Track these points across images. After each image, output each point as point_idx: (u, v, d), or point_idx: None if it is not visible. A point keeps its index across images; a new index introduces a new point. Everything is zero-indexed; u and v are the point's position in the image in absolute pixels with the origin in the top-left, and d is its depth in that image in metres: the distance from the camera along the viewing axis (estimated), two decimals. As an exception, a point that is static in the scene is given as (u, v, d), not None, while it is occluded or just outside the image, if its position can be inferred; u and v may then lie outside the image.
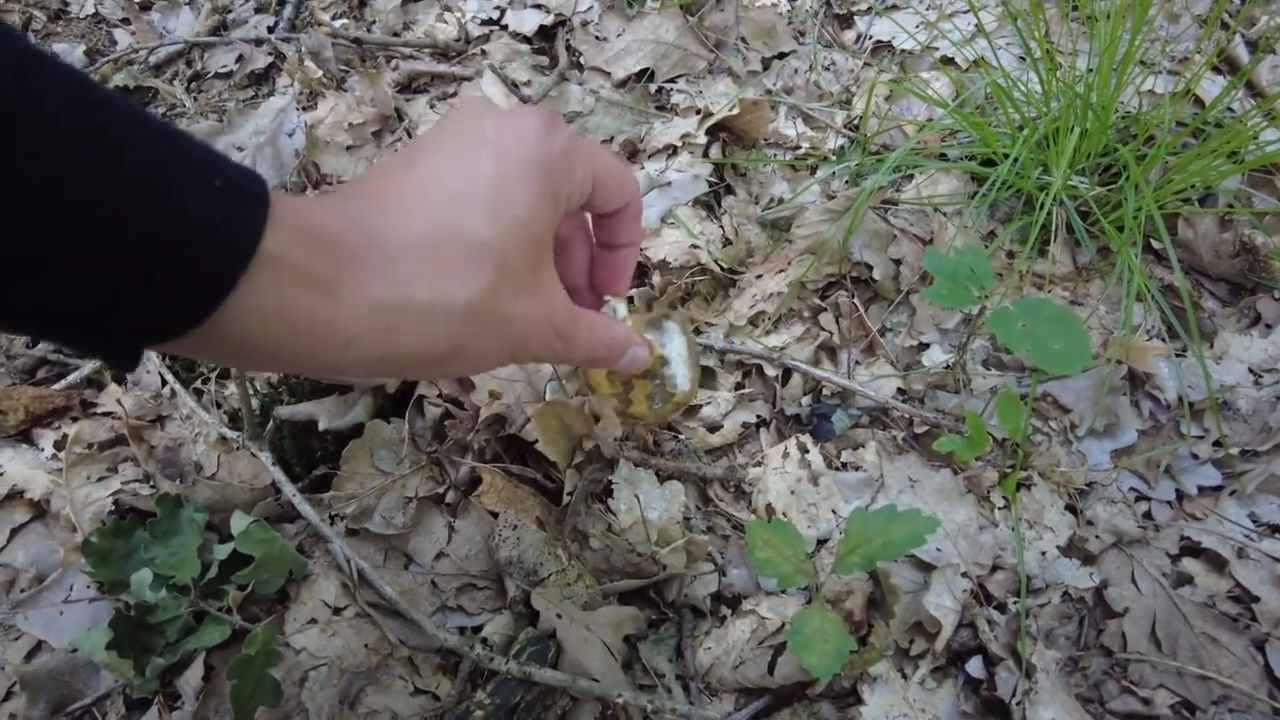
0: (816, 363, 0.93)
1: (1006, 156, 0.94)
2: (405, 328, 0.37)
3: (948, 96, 1.11)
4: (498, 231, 0.38)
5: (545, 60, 1.27)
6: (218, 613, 0.75)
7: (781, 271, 0.99)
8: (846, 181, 1.07)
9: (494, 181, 0.39)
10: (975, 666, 0.74)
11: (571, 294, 0.48)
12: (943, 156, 1.06)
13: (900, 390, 0.91)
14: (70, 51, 1.34)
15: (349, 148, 1.16)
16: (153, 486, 0.86)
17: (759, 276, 1.00)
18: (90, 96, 0.28)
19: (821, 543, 0.81)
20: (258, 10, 1.39)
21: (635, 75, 1.21)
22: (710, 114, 1.11)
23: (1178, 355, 0.89)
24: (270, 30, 1.34)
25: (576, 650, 0.72)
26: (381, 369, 0.39)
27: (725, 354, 0.94)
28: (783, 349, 0.94)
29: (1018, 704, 0.70)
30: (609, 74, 1.22)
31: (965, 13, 1.18)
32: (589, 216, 0.51)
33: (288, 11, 1.36)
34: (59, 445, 0.89)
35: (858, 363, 0.94)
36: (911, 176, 1.05)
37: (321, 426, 0.86)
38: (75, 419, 0.92)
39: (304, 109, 1.20)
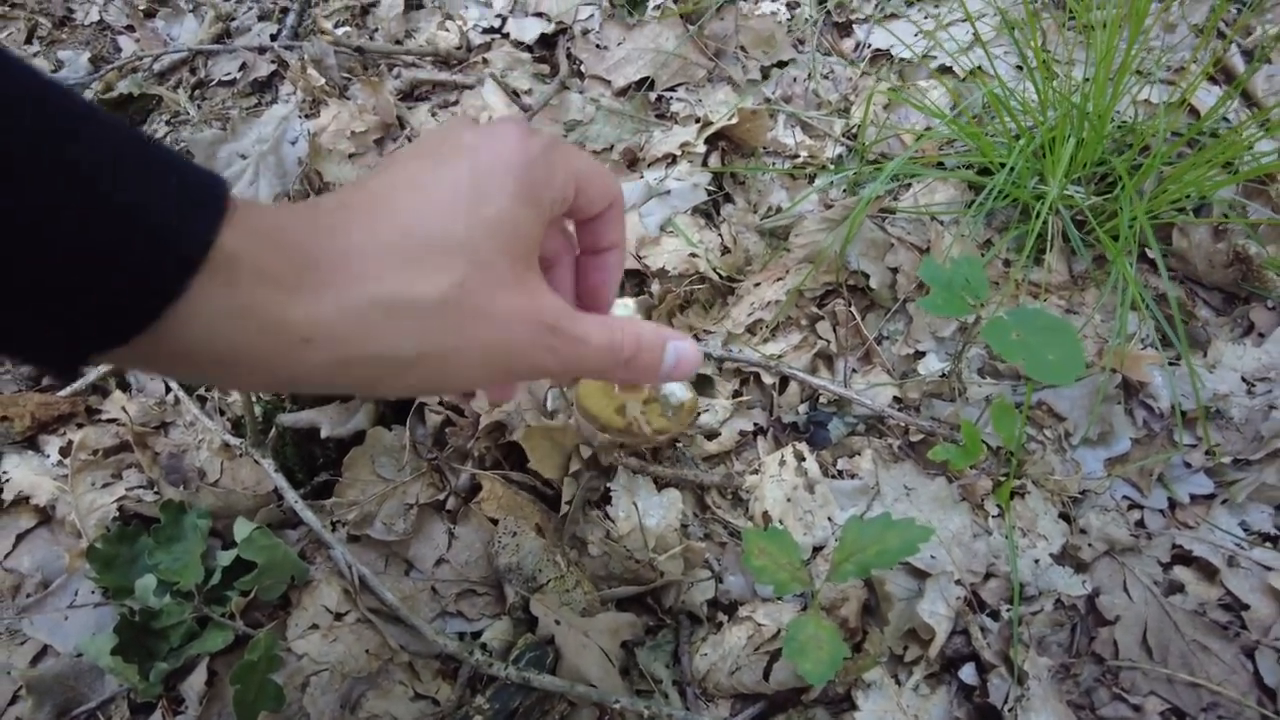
0: (813, 371, 0.94)
1: (1003, 166, 0.95)
2: (370, 326, 0.34)
3: (945, 106, 1.11)
4: (473, 228, 0.37)
5: (546, 69, 1.28)
6: (221, 618, 0.76)
7: (779, 280, 1.00)
8: (844, 190, 1.08)
9: (470, 183, 0.37)
10: (968, 673, 0.74)
11: None
12: (940, 165, 1.07)
13: (896, 398, 0.92)
14: (75, 58, 1.35)
15: (351, 155, 1.17)
16: (157, 493, 0.87)
17: (757, 285, 1.01)
18: (34, 85, 0.27)
19: (817, 550, 0.82)
20: (261, 18, 1.40)
21: (635, 84, 1.22)
22: (710, 123, 1.12)
23: (1171, 364, 0.90)
24: (273, 38, 1.35)
25: (575, 656, 0.73)
26: (344, 376, 0.36)
27: (723, 362, 0.95)
28: (780, 357, 0.94)
29: (1010, 710, 0.71)
30: (609, 82, 1.23)
31: (962, 22, 1.19)
32: (573, 230, 0.51)
33: (291, 19, 1.37)
34: (64, 451, 0.90)
35: (854, 371, 0.95)
36: (909, 185, 1.06)
37: (324, 434, 0.87)
38: (80, 425, 0.93)
39: (307, 117, 1.21)
